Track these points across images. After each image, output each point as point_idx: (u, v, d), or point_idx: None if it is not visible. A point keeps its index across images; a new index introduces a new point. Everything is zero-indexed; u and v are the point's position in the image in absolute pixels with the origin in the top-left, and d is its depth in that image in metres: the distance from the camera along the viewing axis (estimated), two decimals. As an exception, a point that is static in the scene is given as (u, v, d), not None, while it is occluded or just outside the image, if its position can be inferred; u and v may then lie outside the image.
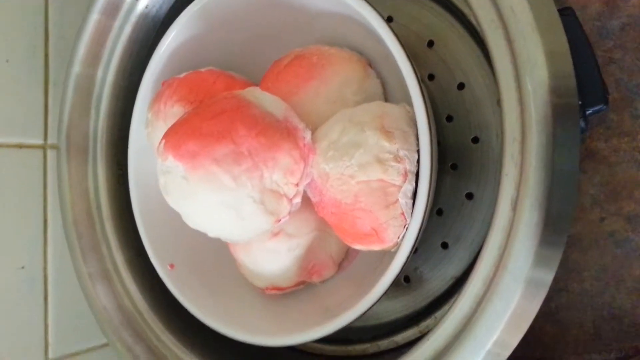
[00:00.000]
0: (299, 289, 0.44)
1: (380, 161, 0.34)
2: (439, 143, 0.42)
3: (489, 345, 0.31)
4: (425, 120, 0.34)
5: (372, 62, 0.42)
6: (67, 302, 0.57)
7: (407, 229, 0.35)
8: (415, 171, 0.35)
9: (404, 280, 0.45)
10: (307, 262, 0.42)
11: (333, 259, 0.43)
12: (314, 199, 0.38)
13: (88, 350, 0.62)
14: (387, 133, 0.34)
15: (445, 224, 0.43)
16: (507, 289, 0.29)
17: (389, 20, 0.44)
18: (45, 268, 0.56)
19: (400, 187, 0.34)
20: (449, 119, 0.43)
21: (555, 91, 0.29)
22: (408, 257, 0.35)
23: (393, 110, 0.36)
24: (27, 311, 0.55)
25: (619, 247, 0.51)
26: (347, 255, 0.44)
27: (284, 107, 0.38)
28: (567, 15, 0.37)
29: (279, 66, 0.42)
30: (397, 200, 0.34)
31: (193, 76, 0.43)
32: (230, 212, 0.36)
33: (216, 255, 0.46)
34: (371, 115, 0.36)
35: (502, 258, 0.30)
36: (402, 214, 0.35)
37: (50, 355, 0.57)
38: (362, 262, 0.43)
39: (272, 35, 0.44)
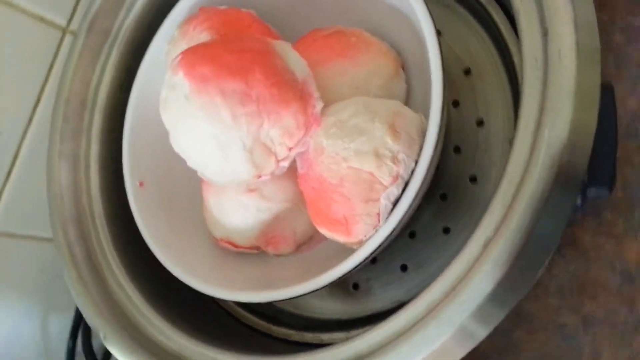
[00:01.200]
0: (251, 252, 0.43)
1: (377, 155, 0.33)
2: (437, 167, 0.42)
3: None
4: (435, 135, 0.33)
5: (405, 65, 0.41)
6: (28, 185, 0.56)
7: (376, 231, 0.34)
8: (406, 180, 0.34)
9: (353, 287, 0.44)
10: (270, 230, 0.41)
11: (295, 238, 0.42)
12: (300, 170, 0.38)
13: (29, 237, 0.61)
14: (395, 132, 0.34)
15: (412, 248, 0.43)
16: (449, 320, 0.29)
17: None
18: (21, 143, 0.55)
19: (387, 187, 0.33)
20: (456, 150, 0.42)
21: (568, 153, 0.29)
22: (365, 260, 0.34)
23: (409, 114, 0.36)
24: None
25: (565, 340, 0.51)
26: (310, 240, 0.43)
27: (307, 71, 0.37)
28: (605, 90, 0.37)
29: (317, 34, 0.42)
30: (379, 199, 0.34)
31: (232, 12, 0.43)
32: (217, 148, 0.35)
33: (187, 191, 0.45)
34: (386, 109, 0.35)
35: (454, 289, 0.29)
36: (378, 214, 0.34)
37: (-8, 230, 0.56)
38: (321, 252, 0.42)
39: (321, 4, 0.44)
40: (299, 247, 0.43)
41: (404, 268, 0.43)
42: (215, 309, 0.48)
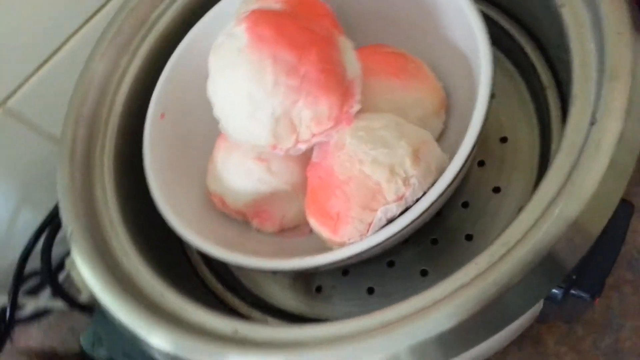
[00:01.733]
0: (235, 217, 0.43)
1: (392, 171, 0.34)
2: (439, 213, 0.42)
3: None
4: (452, 175, 0.34)
5: (449, 108, 0.42)
6: (59, 79, 0.57)
7: (361, 240, 0.35)
8: (409, 205, 0.35)
9: (316, 289, 0.44)
10: (262, 203, 0.42)
11: (282, 220, 0.43)
12: (314, 159, 0.38)
13: (36, 127, 0.62)
14: (416, 158, 0.34)
15: (385, 276, 0.43)
16: (391, 341, 0.29)
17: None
18: (70, 37, 0.56)
19: (388, 203, 0.34)
20: (465, 204, 0.43)
21: (563, 244, 0.29)
22: (338, 262, 0.35)
23: (435, 148, 0.36)
24: (26, 55, 0.55)
25: None
26: (294, 229, 0.43)
27: (358, 74, 0.38)
28: (625, 205, 0.37)
29: (382, 48, 0.43)
30: (377, 210, 0.34)
31: (312, -4, 0.44)
32: (247, 105, 0.36)
33: (201, 139, 0.45)
34: (417, 135, 0.36)
35: (409, 317, 0.29)
36: (370, 224, 0.34)
37: (10, 103, 0.57)
38: (299, 243, 0.43)
39: (394, 26, 0.45)
40: (282, 231, 0.43)
41: (370, 291, 0.43)
42: (182, 258, 0.48)
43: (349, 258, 0.35)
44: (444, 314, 0.28)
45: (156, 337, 0.35)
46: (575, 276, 0.36)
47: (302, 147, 0.38)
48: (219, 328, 0.35)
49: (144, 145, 0.44)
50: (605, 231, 0.36)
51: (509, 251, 0.29)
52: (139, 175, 0.43)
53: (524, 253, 0.29)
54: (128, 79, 0.47)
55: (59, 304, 0.71)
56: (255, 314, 0.44)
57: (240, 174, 0.41)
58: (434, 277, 0.41)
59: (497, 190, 0.42)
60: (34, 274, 0.72)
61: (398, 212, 0.34)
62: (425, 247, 0.42)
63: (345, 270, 0.44)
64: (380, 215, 0.34)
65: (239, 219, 0.44)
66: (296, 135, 0.37)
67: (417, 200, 0.34)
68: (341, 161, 0.35)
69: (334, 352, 0.30)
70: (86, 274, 0.39)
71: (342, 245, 0.36)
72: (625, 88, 0.29)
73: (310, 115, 0.36)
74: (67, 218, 0.41)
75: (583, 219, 0.29)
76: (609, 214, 0.30)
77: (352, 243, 0.35)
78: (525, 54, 0.44)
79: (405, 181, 0.34)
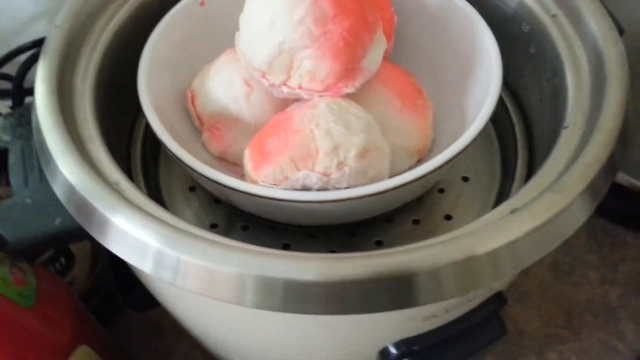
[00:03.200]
0: (194, 122, 0.44)
1: (335, 149, 0.35)
2: (355, 232, 0.43)
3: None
4: (373, 191, 0.35)
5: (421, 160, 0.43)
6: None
7: (271, 187, 0.36)
8: (327, 187, 0.35)
9: (212, 225, 0.44)
10: (220, 121, 0.42)
11: (226, 149, 0.43)
12: (289, 107, 0.39)
13: None
14: (362, 156, 0.35)
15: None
16: (233, 262, 0.30)
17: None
18: None
19: (312, 172, 0.35)
20: (378, 243, 0.43)
21: (426, 280, 0.29)
22: (234, 189, 0.36)
23: (384, 163, 0.37)
24: None
25: None
26: (233, 167, 0.44)
27: (371, 70, 0.39)
28: (500, 324, 0.38)
29: (407, 75, 0.44)
30: (300, 171, 0.35)
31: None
32: (266, 22, 0.37)
33: (214, 49, 0.46)
34: (378, 141, 0.37)
35: (261, 254, 0.30)
36: (287, 178, 0.35)
37: None
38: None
39: (426, 57, 0.48)
40: (221, 160, 0.44)
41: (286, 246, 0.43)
42: (127, 128, 0.49)
43: (247, 194, 0.35)
44: (297, 265, 0.29)
45: (59, 153, 0.36)
46: (417, 347, 0.36)
47: (285, 91, 0.39)
48: (106, 172, 0.36)
49: (165, 16, 0.45)
50: (470, 327, 0.37)
51: (387, 254, 0.30)
52: (142, 33, 0.44)
53: (393, 260, 0.29)
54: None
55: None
56: (154, 209, 0.43)
57: (223, 84, 0.42)
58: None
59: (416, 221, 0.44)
60: (8, 77, 0.72)
61: (315, 187, 0.35)
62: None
63: (246, 226, 0.44)
64: (300, 176, 0.35)
65: (196, 124, 0.44)
66: (287, 77, 0.38)
67: (334, 189, 0.35)
68: (303, 115, 0.36)
69: (189, 245, 0.31)
70: (39, 72, 0.40)
71: (254, 183, 0.36)
72: (560, 201, 0.30)
73: (309, 67, 0.37)
74: (61, 17, 0.42)
75: (447, 271, 0.30)
76: (468, 288, 0.31)
77: (261, 185, 0.36)
78: (516, 161, 0.45)
79: (340, 165, 0.35)
